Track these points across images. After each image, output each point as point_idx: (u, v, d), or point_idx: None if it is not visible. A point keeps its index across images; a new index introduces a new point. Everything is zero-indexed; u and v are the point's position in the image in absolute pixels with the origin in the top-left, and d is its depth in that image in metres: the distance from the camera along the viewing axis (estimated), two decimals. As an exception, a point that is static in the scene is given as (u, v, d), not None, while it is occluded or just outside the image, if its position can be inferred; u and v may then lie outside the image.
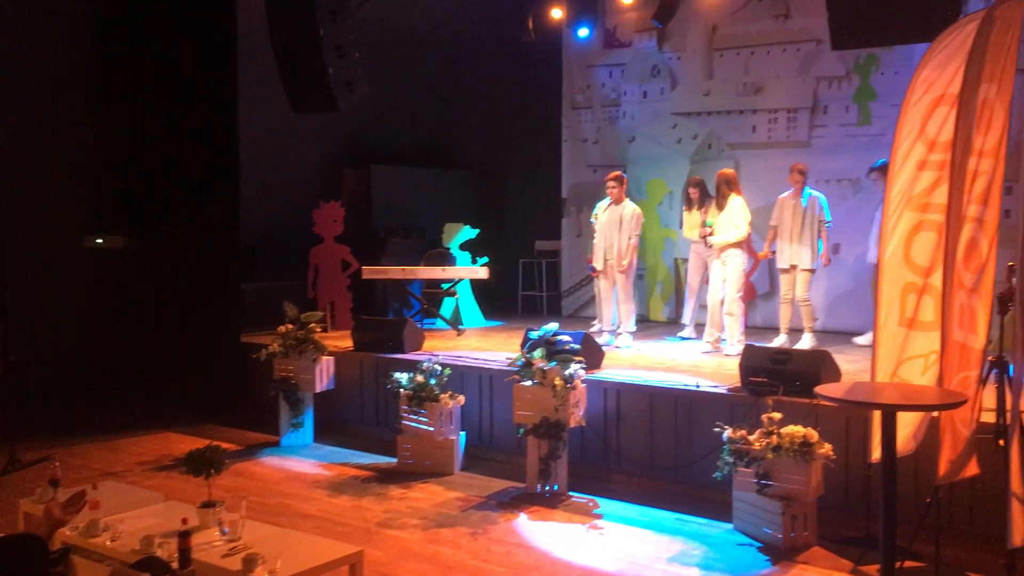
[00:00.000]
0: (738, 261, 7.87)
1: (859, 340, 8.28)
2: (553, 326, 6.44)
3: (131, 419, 8.21)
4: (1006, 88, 4.22)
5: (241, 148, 8.76)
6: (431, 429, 6.59)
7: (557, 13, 10.68)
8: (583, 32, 10.77)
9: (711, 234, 7.98)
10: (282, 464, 6.94)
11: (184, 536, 3.65)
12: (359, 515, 5.68)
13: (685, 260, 9.38)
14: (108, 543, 4.02)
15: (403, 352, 7.72)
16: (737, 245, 7.85)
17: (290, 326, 7.57)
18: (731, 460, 5.31)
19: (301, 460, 7.05)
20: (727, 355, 7.77)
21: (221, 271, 8.83)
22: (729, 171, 8.18)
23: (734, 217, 7.83)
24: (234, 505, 4.21)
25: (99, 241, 9.09)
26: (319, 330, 7.71)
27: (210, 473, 4.24)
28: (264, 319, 8.86)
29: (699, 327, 8.60)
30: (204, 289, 8.82)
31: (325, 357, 7.57)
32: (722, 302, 7.97)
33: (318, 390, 7.53)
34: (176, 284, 8.95)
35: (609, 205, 8.38)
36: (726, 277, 7.91)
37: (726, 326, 7.95)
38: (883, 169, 8.17)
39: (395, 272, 9.40)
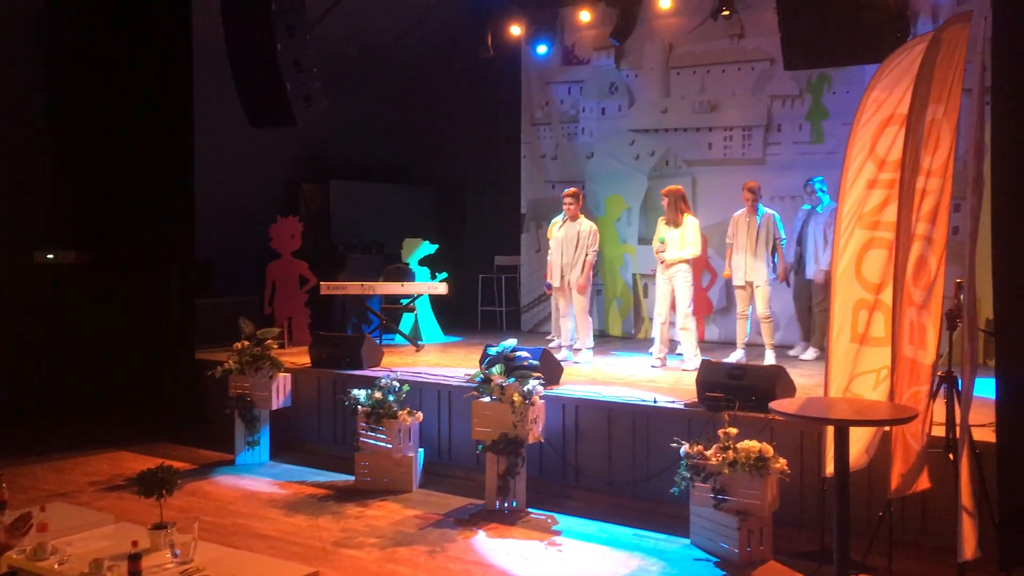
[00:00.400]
0: (688, 277, 7.94)
1: (803, 355, 8.42)
2: (511, 342, 6.44)
3: (82, 438, 8.04)
4: (952, 108, 4.32)
5: (197, 162, 8.66)
6: (389, 446, 6.55)
7: (516, 30, 10.76)
8: (542, 49, 10.86)
9: (663, 251, 8.02)
10: (237, 483, 6.84)
11: (134, 559, 3.58)
12: (315, 534, 5.62)
13: (643, 276, 9.46)
14: (56, 567, 3.92)
15: (361, 368, 7.67)
16: (687, 261, 7.92)
17: (246, 343, 7.48)
18: (688, 475, 5.34)
19: (257, 479, 6.96)
20: (685, 370, 7.84)
21: (175, 287, 8.70)
22: (680, 188, 8.23)
23: (688, 235, 7.91)
24: (186, 526, 4.13)
25: (50, 256, 8.93)
26: (276, 346, 7.62)
27: (162, 494, 4.17)
28: (220, 335, 8.75)
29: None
30: (158, 305, 8.68)
31: (282, 374, 7.49)
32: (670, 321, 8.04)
33: (274, 407, 7.44)
34: (129, 300, 8.81)
35: (565, 221, 8.41)
36: (676, 294, 7.98)
37: (682, 341, 8.02)
38: (806, 186, 8.41)
39: (354, 288, 9.34)
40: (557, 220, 8.91)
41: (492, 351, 6.47)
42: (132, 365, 8.75)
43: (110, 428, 8.31)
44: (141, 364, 8.70)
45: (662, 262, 8.02)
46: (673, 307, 8.12)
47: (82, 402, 8.71)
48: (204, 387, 8.01)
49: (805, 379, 6.99)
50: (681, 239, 7.91)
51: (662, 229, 8.08)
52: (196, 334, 8.80)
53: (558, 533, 5.67)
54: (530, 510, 6.08)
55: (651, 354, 8.27)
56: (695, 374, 6.29)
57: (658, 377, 7.55)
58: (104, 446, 7.81)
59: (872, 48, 5.29)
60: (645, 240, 9.83)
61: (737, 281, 8.24)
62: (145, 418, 8.45)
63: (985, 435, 4.84)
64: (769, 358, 8.05)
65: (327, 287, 9.26)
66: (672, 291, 8.01)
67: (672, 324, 8.20)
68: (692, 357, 7.91)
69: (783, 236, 8.18)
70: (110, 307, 8.91)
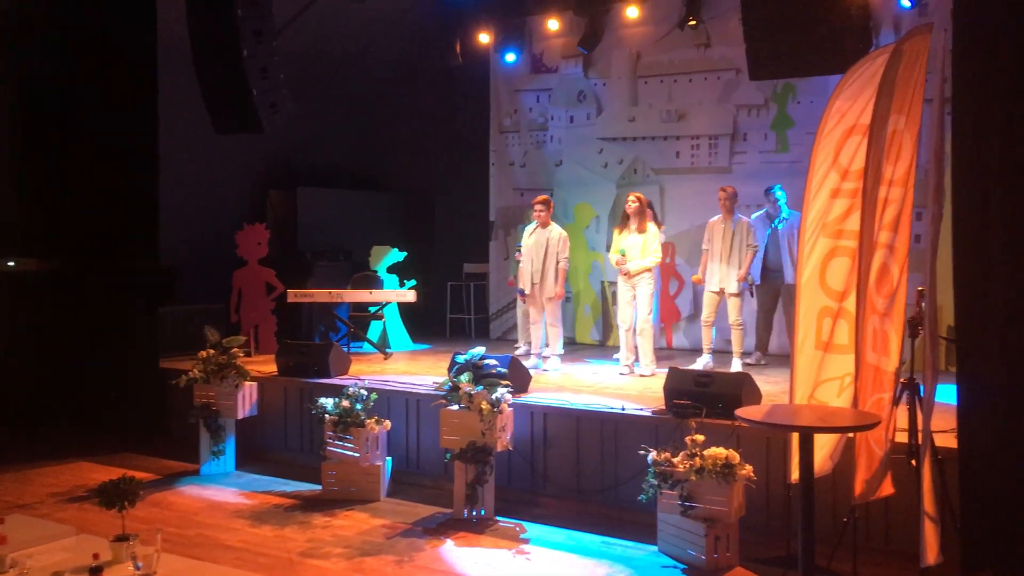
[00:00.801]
0: (651, 285, 8.00)
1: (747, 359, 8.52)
2: (480, 350, 6.43)
3: (44, 448, 7.90)
4: (914, 119, 4.38)
5: (162, 169, 8.57)
6: (357, 455, 6.50)
7: (484, 38, 10.79)
8: (510, 57, 10.88)
9: (624, 263, 8.04)
10: (202, 493, 6.75)
11: (95, 572, 3.53)
12: (281, 545, 5.56)
13: (612, 283, 9.49)
14: (14, 581, 3.85)
15: (329, 377, 7.62)
16: (649, 270, 7.97)
17: (211, 351, 7.40)
18: (655, 482, 5.36)
19: (222, 489, 6.88)
20: (642, 375, 7.89)
21: (139, 294, 8.58)
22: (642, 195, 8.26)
23: (651, 243, 7.95)
24: (149, 538, 4.07)
25: (11, 264, 8.78)
26: (242, 355, 7.56)
27: (124, 505, 4.10)
28: (185, 344, 8.67)
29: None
30: (121, 313, 8.55)
31: (248, 383, 7.42)
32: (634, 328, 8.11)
33: (240, 416, 7.37)
34: (92, 307, 8.66)
35: (536, 229, 8.42)
36: (637, 300, 8.02)
37: (639, 347, 8.06)
38: (767, 194, 8.48)
39: (321, 295, 9.29)
40: (529, 228, 8.93)
41: (460, 359, 6.45)
42: (94, 374, 8.60)
43: (72, 438, 8.17)
44: (104, 373, 8.56)
45: (625, 273, 8.03)
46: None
47: (43, 411, 8.55)
48: (168, 396, 7.91)
49: (772, 386, 7.05)
50: (643, 247, 7.95)
51: (620, 239, 8.09)
52: (160, 343, 8.70)
53: (526, 541, 5.66)
54: (498, 518, 6.06)
55: (618, 361, 8.29)
56: (654, 379, 6.31)
57: (626, 384, 7.57)
58: (65, 457, 7.68)
59: (835, 59, 5.35)
60: (614, 247, 9.86)
61: (711, 287, 8.29)
62: (108, 428, 8.32)
63: (947, 441, 4.90)
64: (736, 366, 8.11)
65: (294, 295, 9.20)
66: (635, 298, 8.05)
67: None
68: (648, 364, 7.97)
69: (757, 244, 8.24)
70: (73, 315, 8.76)
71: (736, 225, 8.16)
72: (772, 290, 8.56)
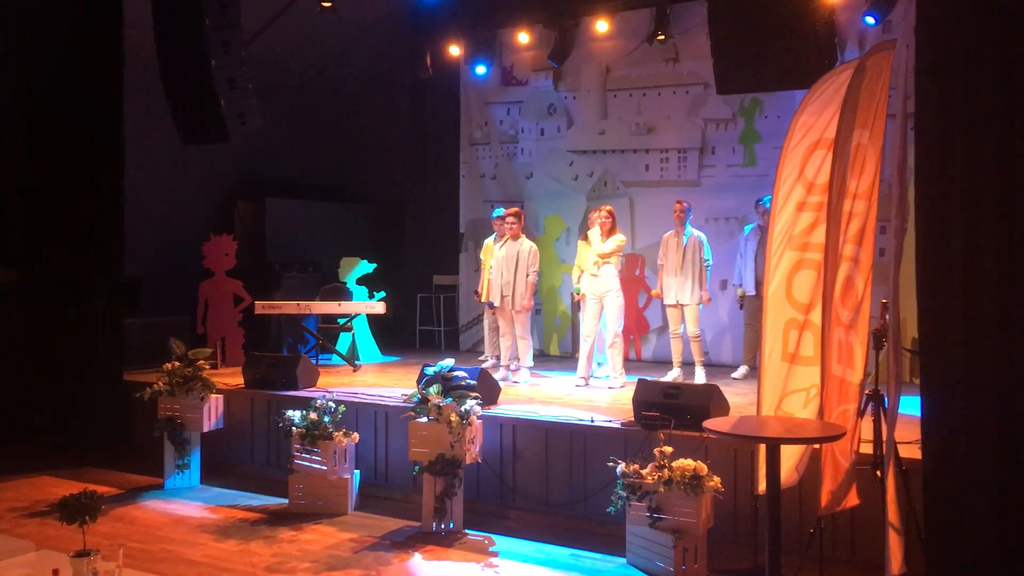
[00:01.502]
0: (619, 299, 8.04)
1: (733, 374, 8.56)
2: (449, 362, 6.41)
3: (5, 463, 7.73)
4: (877, 134, 4.44)
5: (127, 178, 8.46)
6: (324, 468, 6.44)
7: (455, 50, 10.80)
8: (480, 70, 10.90)
9: (584, 296, 8.18)
10: (166, 508, 6.66)
11: (55, 588, 3.45)
12: (247, 560, 5.49)
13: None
14: (-29, 598, 3.77)
15: (296, 389, 7.55)
16: (612, 253, 8.04)
17: (177, 363, 7.31)
18: (624, 494, 5.36)
19: (186, 503, 6.79)
20: (611, 388, 7.93)
21: (102, 306, 8.46)
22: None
23: (609, 245, 8.01)
24: (111, 553, 3.99)
25: (-29, 274, 8.62)
26: (208, 367, 7.47)
27: (85, 520, 4.02)
28: (150, 356, 8.56)
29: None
30: (84, 325, 8.42)
31: (214, 395, 7.33)
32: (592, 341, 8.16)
33: (206, 429, 7.27)
34: (54, 319, 8.51)
35: (506, 241, 8.42)
36: (606, 314, 8.06)
37: (610, 360, 8.08)
38: (757, 206, 8.54)
39: (289, 307, 9.21)
40: (489, 240, 8.96)
41: (429, 371, 6.43)
42: (56, 386, 8.46)
43: (32, 452, 8.02)
44: (66, 385, 8.42)
45: (581, 298, 8.16)
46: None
47: (3, 425, 8.38)
48: (132, 409, 7.80)
49: (740, 398, 7.08)
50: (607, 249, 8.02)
51: (585, 251, 8.13)
52: (124, 355, 8.58)
53: (495, 554, 5.63)
54: (467, 531, 6.03)
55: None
56: (625, 392, 6.32)
57: (596, 396, 7.58)
58: (26, 471, 7.53)
59: (801, 74, 5.42)
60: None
61: (668, 300, 8.36)
62: (70, 442, 8.17)
63: (912, 452, 4.96)
64: (700, 376, 8.16)
65: (262, 306, 9.12)
66: (601, 311, 8.08)
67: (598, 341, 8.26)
68: (618, 376, 8.00)
69: (709, 259, 8.31)
70: (34, 326, 8.61)
71: (688, 239, 8.24)
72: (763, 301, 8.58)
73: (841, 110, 4.41)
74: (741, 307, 8.71)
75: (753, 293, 8.49)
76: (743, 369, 8.67)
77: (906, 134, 4.09)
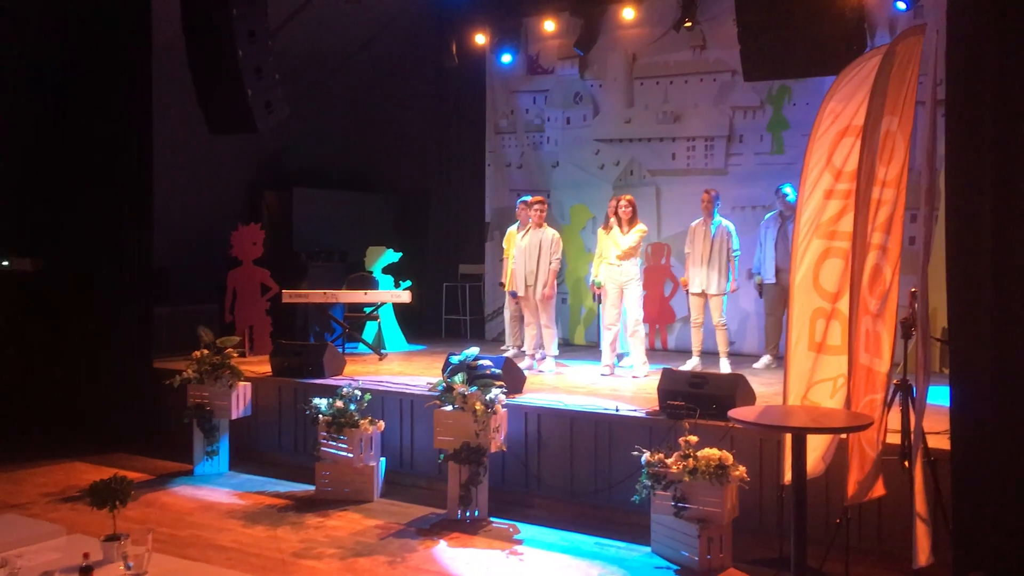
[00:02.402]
0: (639, 287, 8.04)
1: (756, 364, 8.50)
2: (474, 350, 6.42)
3: (36, 448, 7.89)
4: (907, 120, 4.38)
5: (155, 168, 8.55)
6: (350, 455, 6.49)
7: (480, 39, 10.78)
8: (506, 58, 10.88)
9: (604, 290, 8.18)
10: (195, 494, 6.74)
11: (85, 571, 3.52)
12: (274, 545, 5.55)
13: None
14: (4, 580, 3.83)
15: (323, 377, 7.61)
16: (634, 260, 8.04)
17: (205, 351, 7.39)
18: (649, 483, 5.35)
19: (215, 489, 6.86)
20: (635, 377, 7.91)
21: (133, 294, 8.56)
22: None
23: (632, 238, 7.99)
24: (141, 538, 4.05)
25: (5, 264, 8.75)
26: (236, 355, 7.54)
27: (115, 505, 4.09)
28: (179, 344, 8.65)
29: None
30: (114, 313, 8.52)
31: (242, 383, 7.40)
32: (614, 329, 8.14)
33: (234, 417, 7.35)
34: (86, 308, 8.63)
35: (529, 229, 8.41)
36: (626, 303, 8.06)
37: (632, 349, 8.06)
38: (777, 193, 8.45)
39: (316, 296, 9.27)
40: (512, 228, 8.95)
41: (454, 359, 6.45)
42: (88, 374, 8.59)
43: (64, 438, 8.15)
44: (97, 373, 8.54)
45: (599, 291, 8.21)
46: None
47: (37, 412, 8.52)
48: (161, 396, 7.89)
49: (765, 387, 7.03)
50: (631, 242, 8.01)
51: (605, 241, 8.12)
52: (153, 343, 8.67)
53: (520, 542, 5.65)
54: (492, 519, 6.05)
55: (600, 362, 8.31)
56: (649, 381, 6.30)
57: (620, 386, 7.57)
58: (58, 457, 7.66)
59: (830, 60, 5.36)
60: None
61: (693, 289, 8.33)
62: (101, 428, 8.29)
63: (940, 442, 4.90)
64: (724, 366, 8.12)
65: (289, 295, 9.18)
66: (621, 299, 8.06)
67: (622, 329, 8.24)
68: (641, 365, 7.98)
69: (737, 248, 8.25)
70: (66, 315, 8.73)
71: (716, 228, 8.18)
72: (782, 289, 8.50)
73: (870, 96, 4.36)
74: (760, 295, 8.65)
75: (773, 281, 8.44)
76: (766, 359, 8.61)
77: (935, 121, 4.03)
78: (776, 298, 8.53)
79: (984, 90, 4.59)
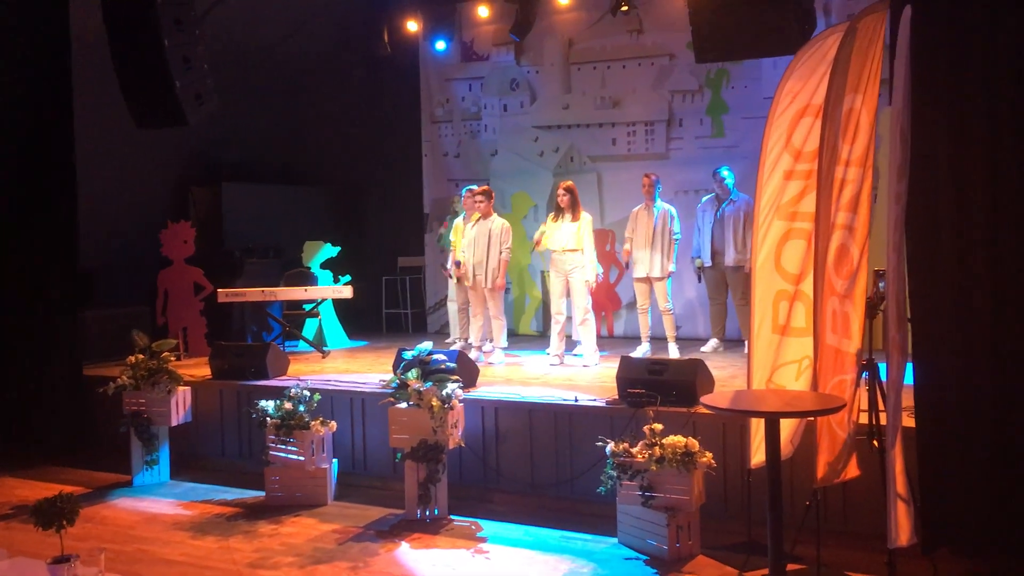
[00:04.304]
0: (583, 274, 7.91)
1: (703, 348, 8.52)
2: (427, 345, 6.25)
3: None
4: (871, 97, 4.35)
5: (78, 165, 8.11)
6: (302, 459, 6.25)
7: (413, 26, 10.55)
8: (440, 45, 10.68)
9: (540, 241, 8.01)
10: (136, 506, 6.42)
11: (35, 600, 3.24)
12: (227, 557, 5.29)
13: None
14: (-59, 613, 3.54)
15: (267, 378, 7.33)
16: (580, 252, 7.90)
17: (140, 356, 7.05)
18: (615, 474, 5.26)
19: (157, 500, 6.55)
20: (586, 366, 7.82)
21: (57, 297, 8.11)
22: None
23: (585, 232, 7.89)
24: (91, 558, 3.78)
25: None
26: (173, 359, 7.21)
27: (62, 525, 3.81)
28: (110, 349, 8.26)
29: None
30: (38, 318, 8.05)
31: (181, 388, 7.08)
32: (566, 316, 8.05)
33: (174, 423, 7.02)
34: (8, 313, 8.15)
35: (476, 220, 8.25)
36: (572, 292, 7.97)
37: (582, 339, 7.98)
38: (714, 175, 8.44)
39: (254, 294, 8.95)
40: (458, 220, 8.79)
41: (407, 355, 6.26)
42: (13, 383, 8.11)
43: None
44: (23, 382, 8.07)
45: (538, 245, 8.03)
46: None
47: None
48: (94, 405, 7.52)
49: (719, 371, 7.00)
50: (577, 235, 7.87)
51: (553, 227, 7.98)
52: (83, 348, 8.25)
53: (484, 540, 5.51)
54: (453, 517, 5.90)
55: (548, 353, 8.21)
56: (605, 370, 6.23)
57: (574, 375, 7.48)
58: (-15, 473, 7.24)
59: (782, 40, 5.33)
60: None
61: (637, 274, 8.29)
62: (31, 440, 7.85)
63: (905, 420, 4.91)
64: (673, 351, 8.10)
65: (225, 294, 8.85)
66: (567, 288, 7.96)
67: (570, 320, 8.14)
68: (592, 353, 7.90)
69: (678, 233, 8.23)
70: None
71: (658, 212, 8.15)
72: (720, 273, 8.53)
73: (831, 74, 4.31)
74: (700, 280, 8.66)
75: (710, 264, 8.46)
76: (713, 342, 8.64)
77: (909, 95, 4.00)
78: (717, 282, 8.56)
79: (937, 67, 4.62)
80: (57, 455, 7.63)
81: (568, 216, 7.91)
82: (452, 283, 9.14)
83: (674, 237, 8.20)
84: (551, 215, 8.08)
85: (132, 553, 5.36)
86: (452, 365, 6.17)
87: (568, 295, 8.04)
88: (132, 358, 7.06)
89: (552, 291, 8.12)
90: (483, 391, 6.61)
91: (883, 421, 4.38)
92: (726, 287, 8.53)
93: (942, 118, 4.70)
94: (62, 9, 7.94)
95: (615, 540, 5.39)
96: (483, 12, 10.40)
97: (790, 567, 4.71)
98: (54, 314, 8.08)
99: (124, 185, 9.70)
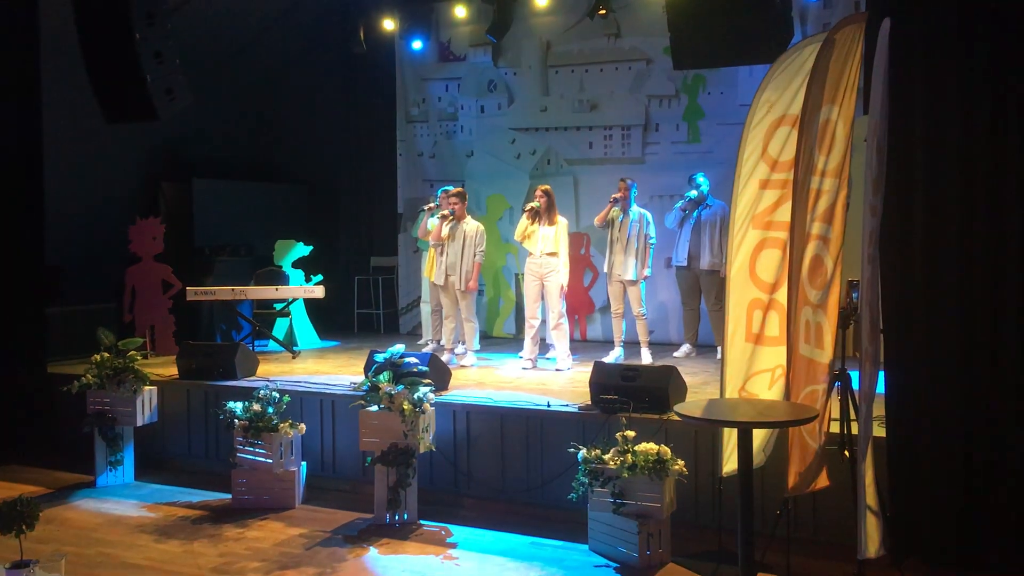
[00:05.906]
0: (558, 278, 7.90)
1: (676, 353, 8.52)
2: (399, 347, 6.18)
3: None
4: (848, 109, 4.36)
5: (46, 159, 7.97)
6: (269, 461, 6.17)
7: (389, 25, 10.46)
8: (417, 45, 10.60)
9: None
10: (99, 507, 6.30)
11: (-10, 609, 3.16)
12: (192, 561, 5.21)
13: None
14: None
15: (235, 379, 7.24)
16: (556, 256, 7.89)
17: (106, 354, 6.92)
18: (586, 480, 5.23)
19: (121, 502, 6.44)
20: (559, 370, 7.80)
21: (23, 294, 7.96)
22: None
23: (561, 236, 7.89)
24: (52, 563, 3.70)
25: None
26: (140, 358, 7.09)
27: (22, 529, 3.72)
28: (75, 347, 8.11)
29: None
30: (4, 314, 7.91)
31: (147, 387, 6.96)
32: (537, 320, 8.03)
33: (139, 424, 6.90)
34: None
35: (451, 221, 8.18)
36: (546, 295, 7.95)
37: (555, 343, 7.95)
38: (691, 181, 8.45)
39: (224, 293, 8.82)
40: (433, 220, 8.71)
41: (379, 357, 6.19)
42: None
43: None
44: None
45: (524, 238, 7.99)
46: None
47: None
48: (58, 404, 7.39)
49: (690, 376, 6.99)
50: (555, 239, 7.85)
51: (531, 229, 7.95)
52: (47, 345, 8.10)
53: (454, 545, 5.46)
54: (422, 522, 5.85)
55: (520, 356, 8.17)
56: (579, 374, 6.20)
57: (547, 380, 7.44)
58: (-56, 472, 7.08)
59: (759, 48, 5.32)
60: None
61: (612, 278, 8.27)
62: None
63: (875, 430, 4.92)
64: (645, 356, 8.09)
65: (195, 292, 8.72)
66: (542, 291, 7.94)
67: (544, 323, 8.11)
68: (565, 358, 7.88)
69: (653, 237, 8.23)
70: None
71: (635, 216, 8.14)
72: (693, 276, 8.53)
73: (808, 85, 4.32)
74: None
75: (684, 264, 8.48)
76: (685, 347, 8.65)
77: (886, 107, 4.00)
78: (690, 286, 8.57)
79: (910, 77, 4.64)
80: (18, 454, 7.48)
81: (545, 220, 7.89)
82: (426, 284, 9.08)
83: (649, 242, 8.20)
84: (526, 216, 8.03)
85: (93, 556, 5.25)
86: (424, 368, 6.10)
87: (543, 299, 8.01)
88: (97, 356, 6.94)
89: (527, 295, 8.09)
90: (455, 395, 6.55)
91: (855, 431, 4.39)
92: (699, 292, 8.54)
93: (918, 129, 4.73)
94: (29, 1, 7.79)
95: (586, 547, 5.36)
96: (460, 12, 10.34)
97: (760, 576, 4.72)
98: (18, 310, 7.93)
99: (92, 179, 9.53)
